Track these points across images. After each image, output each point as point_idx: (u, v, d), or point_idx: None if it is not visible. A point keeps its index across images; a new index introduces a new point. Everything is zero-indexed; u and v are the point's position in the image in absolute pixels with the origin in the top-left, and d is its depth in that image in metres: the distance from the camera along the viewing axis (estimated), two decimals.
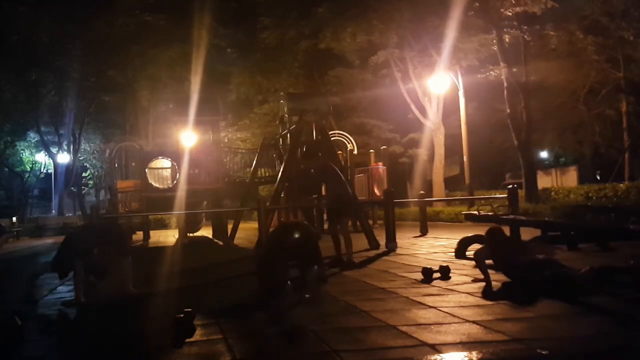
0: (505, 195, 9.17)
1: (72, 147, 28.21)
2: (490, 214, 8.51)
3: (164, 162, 14.52)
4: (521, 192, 14.45)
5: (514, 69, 17.20)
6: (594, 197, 15.61)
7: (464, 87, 20.35)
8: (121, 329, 4.06)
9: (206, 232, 16.62)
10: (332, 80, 24.83)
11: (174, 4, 22.90)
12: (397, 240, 8.99)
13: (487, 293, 4.61)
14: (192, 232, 16.18)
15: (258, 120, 27.01)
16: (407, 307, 4.09)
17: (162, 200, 13.67)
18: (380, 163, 17.21)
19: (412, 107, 21.90)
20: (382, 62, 21.60)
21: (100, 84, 25.27)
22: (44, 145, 28.91)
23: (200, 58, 20.72)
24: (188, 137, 14.30)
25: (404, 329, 3.42)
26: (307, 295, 4.58)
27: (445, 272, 5.41)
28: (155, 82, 24.75)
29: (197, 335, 3.53)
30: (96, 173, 32.06)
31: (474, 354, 2.88)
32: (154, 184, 14.22)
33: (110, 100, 27.07)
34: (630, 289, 4.36)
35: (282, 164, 12.98)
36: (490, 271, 5.73)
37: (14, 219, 22.86)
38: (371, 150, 18.83)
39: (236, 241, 12.35)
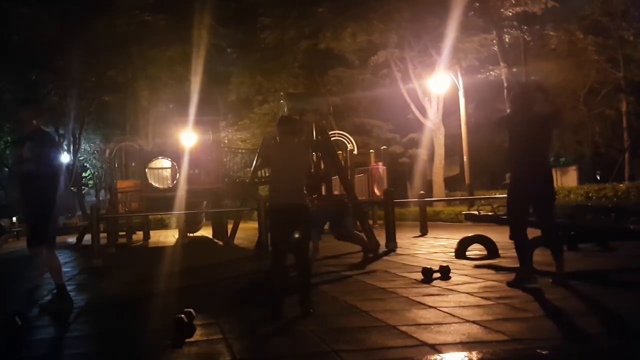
0: (505, 195, 9.13)
1: (72, 147, 28.20)
2: (490, 214, 8.49)
3: (164, 162, 14.50)
4: None
5: (514, 69, 17.20)
6: (594, 197, 15.58)
7: (464, 87, 20.34)
8: (121, 328, 4.06)
9: (206, 232, 16.61)
10: (332, 80, 24.85)
11: (174, 4, 22.88)
12: (397, 240, 8.99)
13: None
14: (192, 232, 16.17)
15: (258, 120, 27.02)
16: (407, 307, 4.09)
17: (162, 200, 13.65)
18: (380, 163, 17.20)
19: (412, 107, 21.90)
20: (382, 62, 21.61)
21: (101, 84, 25.26)
22: None
23: (200, 58, 20.73)
24: (188, 137, 14.29)
25: (404, 329, 3.42)
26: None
27: (445, 272, 5.41)
28: (155, 82, 24.74)
29: (197, 335, 3.53)
30: (96, 173, 32.04)
31: (474, 354, 2.88)
32: (154, 184, 14.22)
33: (110, 100, 27.04)
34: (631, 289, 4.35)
35: None
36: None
37: (14, 219, 22.85)
38: (371, 150, 18.82)
39: (236, 241, 12.34)
